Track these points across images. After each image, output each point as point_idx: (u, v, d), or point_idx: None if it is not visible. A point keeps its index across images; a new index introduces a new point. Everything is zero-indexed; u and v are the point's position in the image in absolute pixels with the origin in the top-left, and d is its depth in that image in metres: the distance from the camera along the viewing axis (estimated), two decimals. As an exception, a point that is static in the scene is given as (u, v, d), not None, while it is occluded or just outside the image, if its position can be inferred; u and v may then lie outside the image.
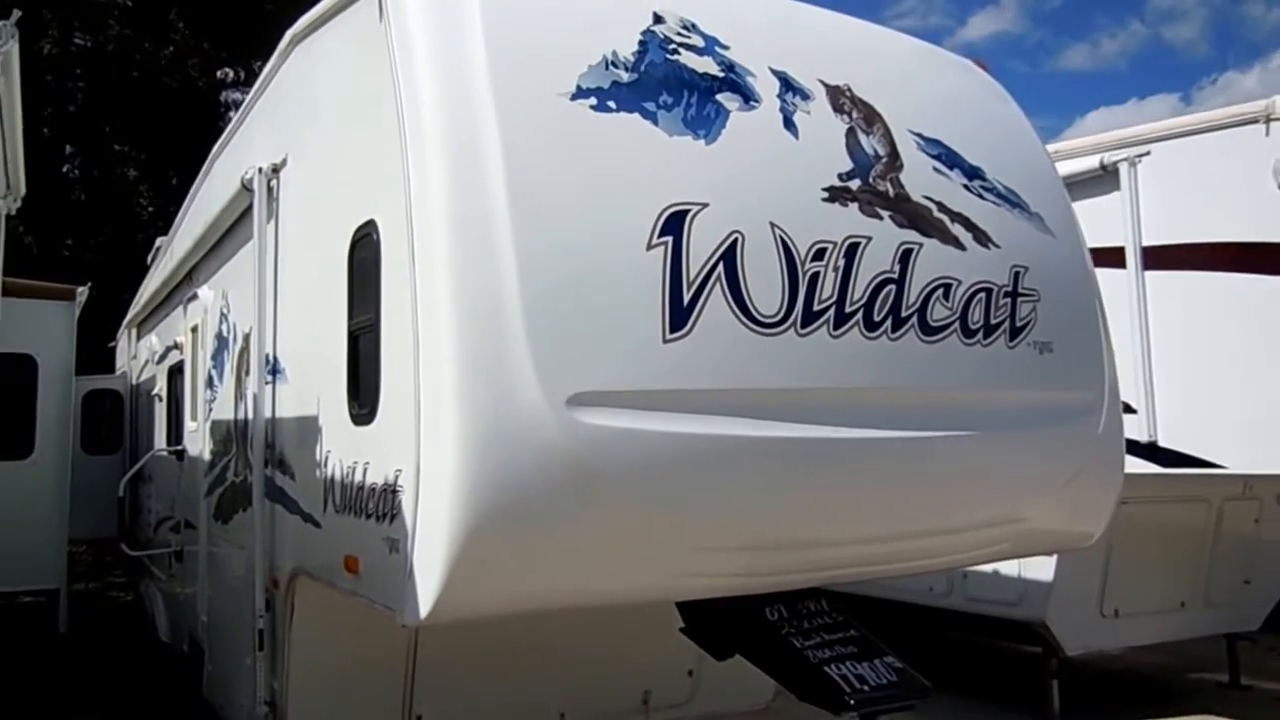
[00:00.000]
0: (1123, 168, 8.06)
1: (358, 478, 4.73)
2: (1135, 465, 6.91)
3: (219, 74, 27.35)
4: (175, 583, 9.68)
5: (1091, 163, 8.20)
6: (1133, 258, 7.97)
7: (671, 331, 4.37)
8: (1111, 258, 7.73)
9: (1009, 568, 8.40)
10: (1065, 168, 6.92)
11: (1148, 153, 8.03)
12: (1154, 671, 10.95)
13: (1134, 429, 7.25)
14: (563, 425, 4.12)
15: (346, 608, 5.01)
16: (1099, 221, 7.32)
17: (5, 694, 10.18)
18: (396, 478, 4.33)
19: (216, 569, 7.66)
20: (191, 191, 9.76)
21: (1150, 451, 7.82)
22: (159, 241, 12.70)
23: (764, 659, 5.19)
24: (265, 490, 6.01)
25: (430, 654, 5.82)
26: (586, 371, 4.22)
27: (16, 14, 4.76)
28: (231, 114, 25.32)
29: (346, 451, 4.92)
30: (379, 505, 4.48)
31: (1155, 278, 7.99)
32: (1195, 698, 10.03)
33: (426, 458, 4.13)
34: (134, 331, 14.36)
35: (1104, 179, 8.15)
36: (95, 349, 16.38)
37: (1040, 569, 8.27)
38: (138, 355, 13.65)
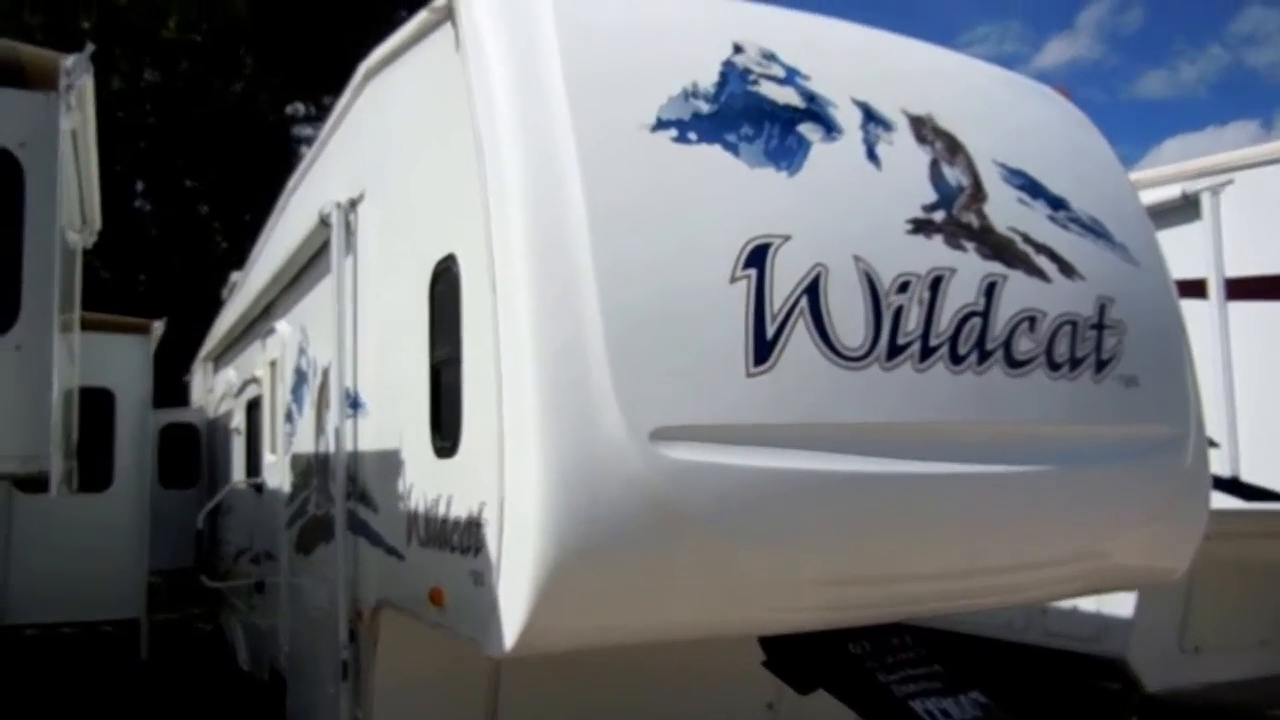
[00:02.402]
0: (1204, 197, 7.93)
1: (441, 511, 4.75)
2: (1218, 500, 6.77)
3: (289, 109, 27.69)
4: (256, 613, 9.76)
5: (1172, 192, 8.07)
6: (1215, 289, 7.84)
7: (755, 365, 4.36)
8: (1193, 289, 7.62)
9: (1088, 603, 8.28)
10: (1145, 197, 6.83)
11: (1230, 182, 7.90)
12: (1235, 709, 10.71)
13: (1217, 463, 7.12)
14: (646, 459, 4.11)
15: (430, 639, 5.02)
16: (1180, 252, 7.21)
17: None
18: (480, 510, 4.34)
19: (298, 600, 7.71)
20: (266, 226, 9.86)
21: (1233, 486, 7.68)
22: (234, 276, 12.83)
23: (848, 693, 5.14)
24: (348, 523, 6.05)
25: (512, 686, 5.82)
26: (670, 405, 4.21)
27: (90, 47, 4.82)
28: (303, 149, 25.67)
29: (429, 485, 4.94)
30: (463, 538, 4.49)
31: (1238, 309, 7.86)
32: (1278, 737, 9.81)
33: (510, 491, 4.14)
34: (210, 365, 14.53)
35: (1185, 209, 8.03)
36: (170, 382, 16.56)
37: (1120, 604, 8.14)
38: (214, 389, 13.81)
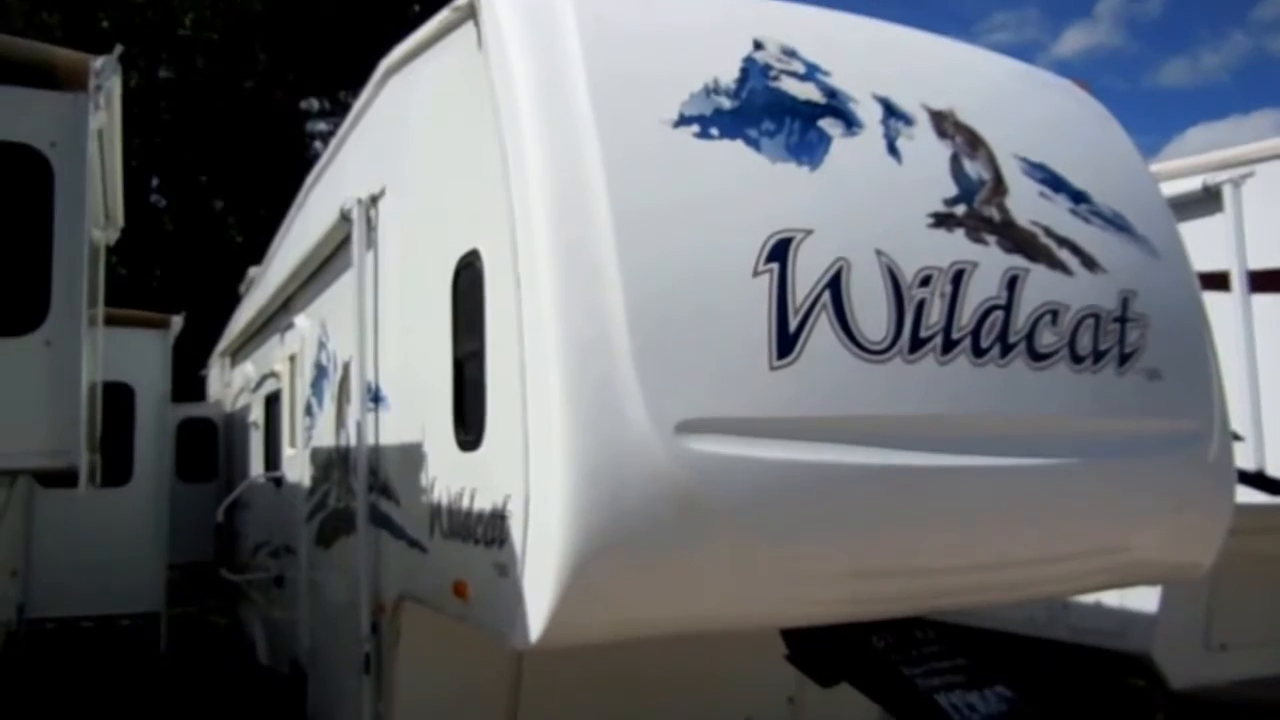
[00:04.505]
0: (1226, 189, 7.83)
1: (465, 503, 4.76)
2: (1243, 494, 6.74)
3: (303, 104, 27.76)
4: (275, 607, 9.80)
5: (1193, 184, 8.00)
6: (1238, 281, 7.76)
7: (778, 358, 4.36)
8: (1216, 281, 7.56)
9: (1112, 598, 8.23)
10: (1166, 190, 6.78)
11: (1252, 174, 7.84)
12: (1262, 706, 10.66)
13: (1242, 457, 7.08)
14: (671, 452, 4.12)
15: (451, 632, 5.04)
16: (1202, 244, 7.16)
17: (110, 715, 10.36)
18: (505, 503, 4.35)
19: (319, 594, 7.74)
20: (285, 222, 9.88)
21: (1259, 480, 7.63)
22: (251, 271, 12.87)
23: (872, 686, 5.15)
24: (370, 516, 6.07)
25: (534, 680, 5.83)
26: (693, 398, 4.22)
27: (119, 49, 4.85)
28: (318, 144, 25.75)
29: (453, 478, 4.95)
30: (487, 531, 4.51)
31: (1261, 302, 7.80)
32: (1304, 733, 9.77)
33: (535, 484, 4.15)
34: (227, 360, 14.56)
35: (1206, 201, 7.96)
36: (186, 377, 16.59)
37: (1144, 600, 8.09)
38: (231, 383, 13.84)
